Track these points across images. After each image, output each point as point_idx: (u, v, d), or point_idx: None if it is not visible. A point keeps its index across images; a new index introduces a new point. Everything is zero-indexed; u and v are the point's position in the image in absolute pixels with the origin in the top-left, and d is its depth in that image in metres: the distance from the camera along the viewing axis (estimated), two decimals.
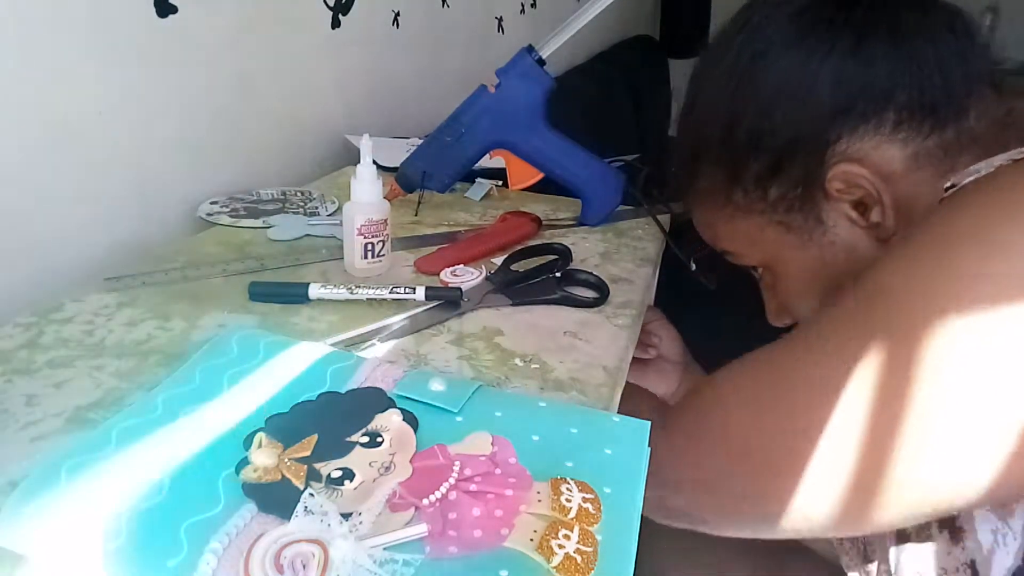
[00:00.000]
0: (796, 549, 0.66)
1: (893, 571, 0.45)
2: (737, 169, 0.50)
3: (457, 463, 0.33)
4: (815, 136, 0.46)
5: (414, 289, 0.50)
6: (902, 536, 0.44)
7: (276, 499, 0.30)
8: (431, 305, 0.51)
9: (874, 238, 0.48)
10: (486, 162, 0.70)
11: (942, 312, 0.34)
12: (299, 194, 0.75)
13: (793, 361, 0.41)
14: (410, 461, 0.33)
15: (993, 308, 0.33)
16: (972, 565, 0.39)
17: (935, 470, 0.35)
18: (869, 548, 0.48)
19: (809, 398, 0.38)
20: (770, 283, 0.56)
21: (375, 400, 0.37)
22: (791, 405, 0.39)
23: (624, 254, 0.64)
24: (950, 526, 0.40)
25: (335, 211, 0.70)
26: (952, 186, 0.40)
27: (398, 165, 0.69)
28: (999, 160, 0.39)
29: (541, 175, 0.69)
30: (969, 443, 0.34)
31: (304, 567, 0.27)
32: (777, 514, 0.40)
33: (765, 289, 0.58)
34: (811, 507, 0.38)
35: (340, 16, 0.90)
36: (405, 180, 0.69)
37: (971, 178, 0.39)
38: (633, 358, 0.71)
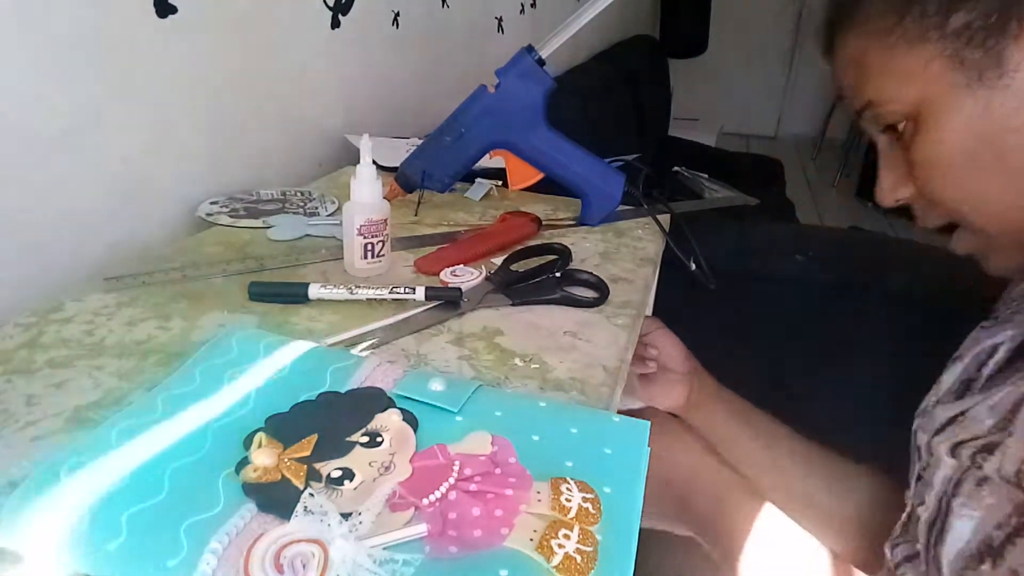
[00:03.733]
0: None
1: None
2: None
3: (457, 463, 0.33)
4: None
5: (414, 289, 0.50)
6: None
7: (276, 499, 0.30)
8: (431, 305, 0.51)
9: None
10: (486, 162, 0.70)
11: None
12: (299, 194, 0.75)
13: None
14: (410, 461, 0.33)
15: None
16: None
17: None
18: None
19: None
20: (908, 140, 0.48)
21: (375, 400, 0.37)
22: None
23: (624, 254, 0.64)
24: None
25: (335, 211, 0.70)
26: None
27: (398, 165, 0.69)
28: None
29: (541, 175, 0.69)
30: None
31: (304, 567, 0.27)
32: None
33: (887, 155, 0.50)
34: None
35: (340, 16, 0.90)
36: (405, 180, 0.69)
37: None
38: (637, 374, 0.71)
